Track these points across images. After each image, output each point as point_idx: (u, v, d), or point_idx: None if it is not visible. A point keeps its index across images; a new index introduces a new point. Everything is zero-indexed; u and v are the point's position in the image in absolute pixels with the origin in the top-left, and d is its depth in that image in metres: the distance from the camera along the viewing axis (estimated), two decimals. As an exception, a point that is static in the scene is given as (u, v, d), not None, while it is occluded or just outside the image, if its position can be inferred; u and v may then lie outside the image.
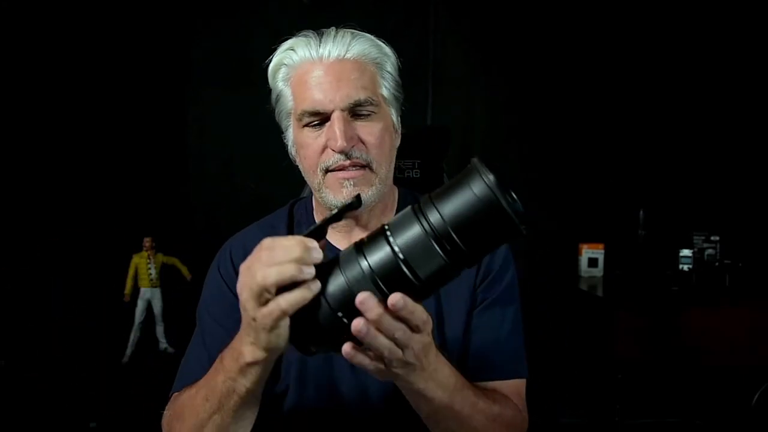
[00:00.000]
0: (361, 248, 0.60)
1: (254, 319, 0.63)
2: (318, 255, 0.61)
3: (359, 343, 0.61)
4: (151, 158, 3.24)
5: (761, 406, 2.61)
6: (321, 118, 0.86)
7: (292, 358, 0.92)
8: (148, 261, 3.14)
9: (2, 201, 3.10)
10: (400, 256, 0.58)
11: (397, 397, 0.75)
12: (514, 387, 0.91)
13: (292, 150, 0.94)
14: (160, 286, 3.17)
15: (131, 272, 3.15)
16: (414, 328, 0.61)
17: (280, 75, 0.90)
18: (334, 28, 0.89)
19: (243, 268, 0.64)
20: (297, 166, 0.94)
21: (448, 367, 0.72)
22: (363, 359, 0.62)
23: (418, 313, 0.60)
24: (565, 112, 3.32)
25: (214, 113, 3.28)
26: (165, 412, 0.87)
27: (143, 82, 3.20)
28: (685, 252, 3.17)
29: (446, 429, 0.77)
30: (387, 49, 0.92)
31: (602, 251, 3.21)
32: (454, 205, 0.57)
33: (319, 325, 0.61)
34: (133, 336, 3.15)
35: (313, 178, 0.89)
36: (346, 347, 0.61)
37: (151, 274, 3.15)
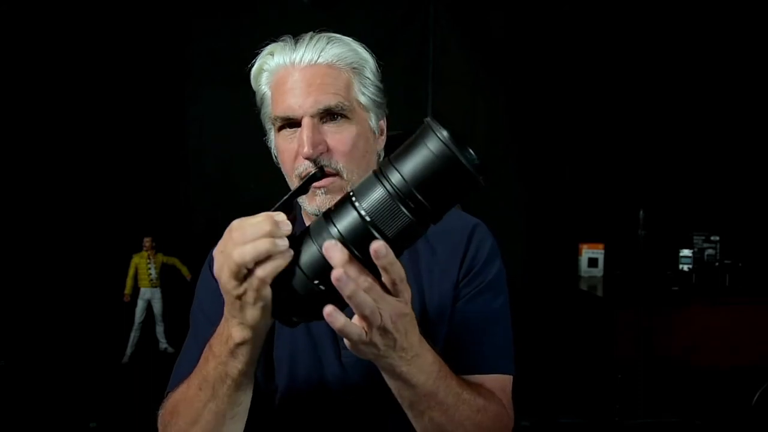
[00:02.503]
0: (329, 216, 0.63)
1: (238, 297, 0.65)
2: (287, 227, 0.64)
3: (347, 303, 0.62)
4: (151, 158, 3.24)
5: (761, 406, 2.61)
6: (295, 123, 0.87)
7: (282, 356, 0.92)
8: (148, 261, 3.14)
9: (2, 201, 3.11)
10: (367, 218, 0.60)
11: (388, 394, 0.75)
12: (498, 382, 0.89)
13: (274, 153, 0.95)
14: (160, 286, 3.17)
15: (131, 272, 3.15)
16: (391, 285, 0.62)
17: (263, 79, 0.91)
18: (311, 33, 0.89)
19: (216, 252, 0.66)
20: (280, 168, 0.95)
21: (432, 354, 0.72)
22: (346, 324, 0.61)
23: (397, 267, 0.61)
24: (565, 112, 3.32)
25: (214, 113, 3.27)
26: (160, 411, 0.87)
27: (143, 82, 3.20)
28: (685, 252, 3.17)
29: (431, 420, 0.76)
30: (365, 54, 0.91)
31: (602, 251, 3.21)
32: (412, 163, 0.59)
33: (298, 295, 0.63)
34: (133, 336, 3.15)
35: (291, 182, 0.90)
36: (327, 308, 0.60)
37: (151, 274, 3.15)
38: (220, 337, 0.72)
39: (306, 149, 0.83)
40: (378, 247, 0.58)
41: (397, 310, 0.63)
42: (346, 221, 0.61)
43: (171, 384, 0.90)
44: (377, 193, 0.60)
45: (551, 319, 3.05)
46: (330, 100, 0.85)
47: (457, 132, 0.59)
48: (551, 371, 2.83)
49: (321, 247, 0.61)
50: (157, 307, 3.17)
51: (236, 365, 0.71)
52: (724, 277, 3.11)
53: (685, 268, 3.16)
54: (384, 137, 0.96)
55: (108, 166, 3.19)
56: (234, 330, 0.69)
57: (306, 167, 0.85)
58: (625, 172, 3.32)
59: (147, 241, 3.14)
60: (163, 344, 3.19)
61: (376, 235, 0.60)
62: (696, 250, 3.21)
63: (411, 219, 0.59)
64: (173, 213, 3.30)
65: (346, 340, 0.65)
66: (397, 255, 0.61)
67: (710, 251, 3.23)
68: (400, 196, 0.59)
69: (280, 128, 0.88)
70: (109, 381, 2.92)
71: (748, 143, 3.36)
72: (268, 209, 0.65)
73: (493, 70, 3.34)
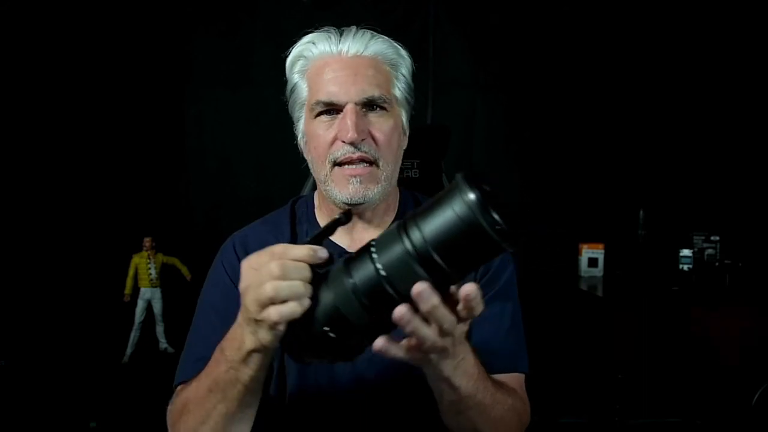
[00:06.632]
0: (348, 265, 0.62)
1: (255, 321, 0.66)
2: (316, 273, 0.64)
3: (358, 351, 0.63)
4: (151, 158, 3.24)
5: (761, 406, 2.61)
6: (334, 110, 0.89)
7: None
8: (148, 261, 3.14)
9: (2, 201, 3.11)
10: (383, 273, 0.58)
11: (399, 393, 0.76)
12: (516, 380, 0.93)
13: (301, 142, 0.96)
14: (160, 286, 3.17)
15: (131, 272, 3.15)
16: (466, 319, 0.63)
17: (297, 67, 0.93)
18: (354, 26, 0.93)
19: (249, 266, 0.66)
20: (304, 159, 0.97)
21: (473, 357, 0.74)
22: (398, 351, 0.63)
23: (480, 305, 0.62)
24: (564, 112, 3.32)
25: (214, 113, 3.28)
26: (169, 406, 0.87)
27: (143, 82, 3.20)
28: (685, 252, 3.17)
29: (468, 419, 0.78)
30: (403, 52, 0.95)
31: (602, 251, 3.21)
32: (435, 224, 0.56)
33: (311, 337, 0.63)
34: (133, 336, 3.15)
35: (320, 169, 0.91)
36: (378, 342, 0.61)
37: (151, 274, 3.15)
38: (233, 341, 0.72)
39: (351, 134, 0.85)
40: (470, 290, 0.59)
41: (462, 332, 0.65)
42: (362, 273, 0.60)
43: (178, 376, 0.91)
44: (396, 249, 0.58)
45: (551, 319, 3.05)
46: (374, 91, 0.88)
47: (489, 192, 0.56)
48: (551, 371, 2.82)
49: (335, 296, 0.61)
50: (157, 307, 3.17)
51: (248, 371, 0.72)
52: (724, 277, 3.11)
53: (685, 268, 3.16)
54: (407, 136, 0.98)
55: (108, 166, 3.19)
56: (248, 337, 0.69)
57: (345, 152, 0.87)
58: (625, 172, 3.31)
59: (147, 241, 3.13)
60: (163, 344, 3.19)
61: (390, 291, 0.59)
62: (696, 250, 3.21)
63: (427, 279, 0.57)
64: (173, 213, 3.30)
65: (402, 345, 0.66)
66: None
67: (710, 251, 3.23)
68: (419, 255, 0.57)
69: (318, 114, 0.90)
70: (109, 381, 2.91)
71: (747, 143, 3.35)
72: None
73: (493, 70, 3.34)
